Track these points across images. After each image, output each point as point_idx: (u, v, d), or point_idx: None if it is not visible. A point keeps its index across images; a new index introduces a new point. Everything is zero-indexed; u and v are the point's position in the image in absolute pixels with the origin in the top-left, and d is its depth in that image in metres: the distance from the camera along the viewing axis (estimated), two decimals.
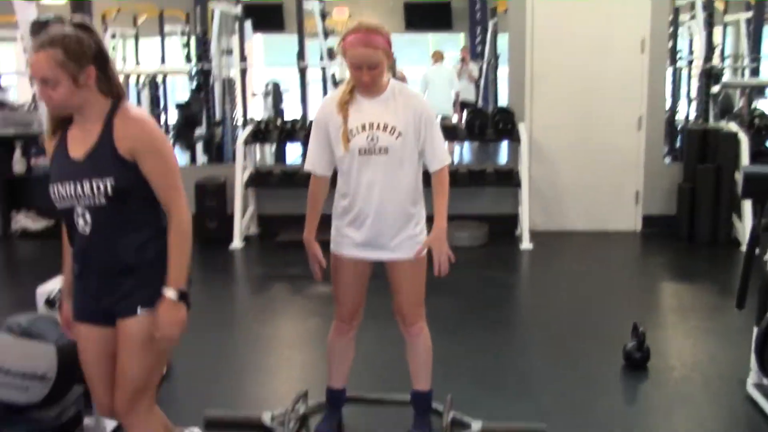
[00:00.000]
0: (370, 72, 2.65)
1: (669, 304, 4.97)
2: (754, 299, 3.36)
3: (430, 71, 9.53)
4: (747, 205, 5.94)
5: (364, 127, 2.72)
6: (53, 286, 2.97)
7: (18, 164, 6.82)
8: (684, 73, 9.20)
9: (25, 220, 6.82)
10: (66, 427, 2.72)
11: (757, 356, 3.30)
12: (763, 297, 3.35)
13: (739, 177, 3.49)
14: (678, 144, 8.00)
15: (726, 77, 8.77)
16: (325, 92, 10.16)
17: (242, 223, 6.46)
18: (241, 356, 3.98)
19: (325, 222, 2.88)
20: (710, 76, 7.62)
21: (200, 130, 8.55)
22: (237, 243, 6.35)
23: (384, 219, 2.78)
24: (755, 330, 3.30)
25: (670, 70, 7.96)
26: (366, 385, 3.41)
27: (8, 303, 4.85)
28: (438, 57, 9.64)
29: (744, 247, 4.94)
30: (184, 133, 8.73)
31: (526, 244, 6.20)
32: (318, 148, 2.83)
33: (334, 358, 3.05)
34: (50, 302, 2.87)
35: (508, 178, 6.56)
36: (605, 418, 3.23)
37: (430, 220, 2.84)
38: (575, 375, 3.65)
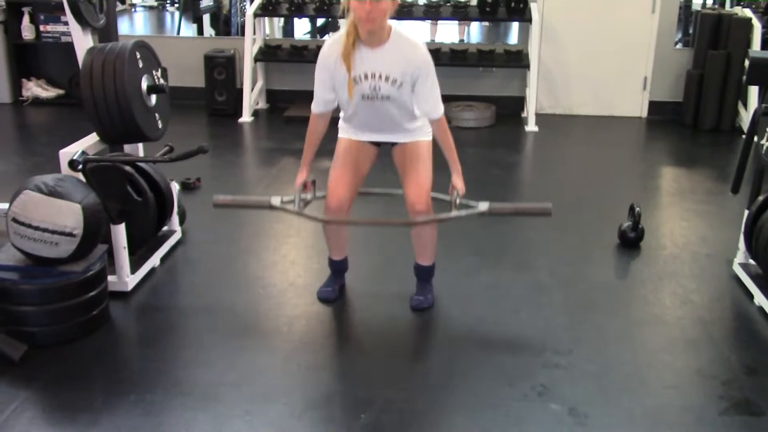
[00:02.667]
0: (372, 5, 2.63)
1: (667, 187, 5.10)
2: (749, 185, 3.48)
3: None
4: (753, 93, 5.96)
5: (366, 77, 2.81)
6: (75, 148, 3.08)
7: (27, 31, 6.76)
8: None
9: (36, 88, 6.86)
10: (91, 281, 2.90)
11: (745, 237, 3.46)
12: (756, 181, 3.47)
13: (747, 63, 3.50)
14: (692, 29, 7.89)
15: None
16: None
17: (251, 97, 6.50)
18: (250, 222, 4.14)
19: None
20: None
21: (207, 2, 8.40)
22: (246, 117, 6.42)
23: (385, 131, 2.99)
24: (746, 213, 3.44)
25: None
26: (367, 274, 3.59)
27: (26, 167, 5.00)
28: None
29: None
30: (190, 5, 8.58)
31: (531, 126, 6.27)
32: (322, 89, 2.90)
33: (329, 236, 3.19)
34: (73, 164, 2.99)
35: (518, 59, 6.54)
36: (596, 290, 3.42)
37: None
38: (571, 251, 3.82)
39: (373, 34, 2.74)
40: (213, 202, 3.12)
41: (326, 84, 2.88)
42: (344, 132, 3.07)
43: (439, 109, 2.90)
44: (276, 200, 3.03)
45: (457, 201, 2.97)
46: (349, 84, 2.82)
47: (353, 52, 2.78)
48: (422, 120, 2.98)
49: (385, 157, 3.12)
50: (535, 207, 3.14)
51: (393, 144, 3.04)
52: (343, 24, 2.80)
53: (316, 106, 2.95)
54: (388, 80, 2.81)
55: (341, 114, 3.04)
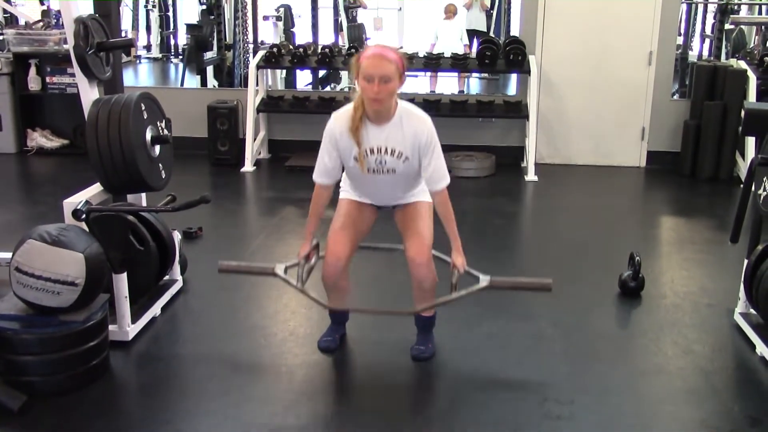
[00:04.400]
0: (381, 86, 2.72)
1: (666, 237, 5.12)
2: (748, 234, 3.50)
3: (442, 26, 9.45)
4: (750, 142, 6.03)
5: (372, 151, 2.88)
6: (78, 198, 3.11)
7: (33, 82, 6.88)
8: (700, 9, 9.11)
9: (40, 138, 6.94)
10: (92, 330, 2.90)
11: (745, 287, 3.46)
12: (755, 231, 3.49)
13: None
14: (688, 81, 8.01)
15: (742, 14, 8.70)
16: (336, 18, 10.14)
17: (253, 147, 6.57)
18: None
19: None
20: (725, 12, 7.58)
21: (211, 54, 8.56)
22: (248, 166, 6.48)
23: (386, 199, 3.09)
24: (746, 262, 3.45)
25: (684, 6, 7.90)
26: (372, 302, 3.59)
27: (30, 217, 5.03)
28: (451, 12, 9.53)
29: None
30: (194, 56, 8.73)
31: (531, 176, 6.32)
32: (328, 161, 2.95)
33: (329, 290, 3.17)
34: (76, 213, 3.01)
35: (517, 110, 6.63)
36: (598, 339, 3.41)
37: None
38: (572, 300, 3.82)
39: (380, 112, 2.81)
40: (218, 268, 3.18)
41: (332, 156, 2.94)
42: (346, 193, 3.13)
43: (443, 182, 2.93)
44: (280, 269, 3.09)
45: (457, 282, 2.99)
46: (361, 158, 2.88)
47: (360, 128, 2.85)
48: (423, 184, 3.02)
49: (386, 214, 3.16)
50: (535, 282, 3.16)
51: (394, 206, 3.11)
52: (350, 89, 2.87)
53: (321, 178, 3.00)
54: (394, 154, 2.87)
55: (343, 180, 3.11)
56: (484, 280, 3.03)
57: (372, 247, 3.39)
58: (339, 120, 2.90)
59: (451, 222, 2.99)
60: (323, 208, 3.06)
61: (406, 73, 2.84)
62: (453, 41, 9.25)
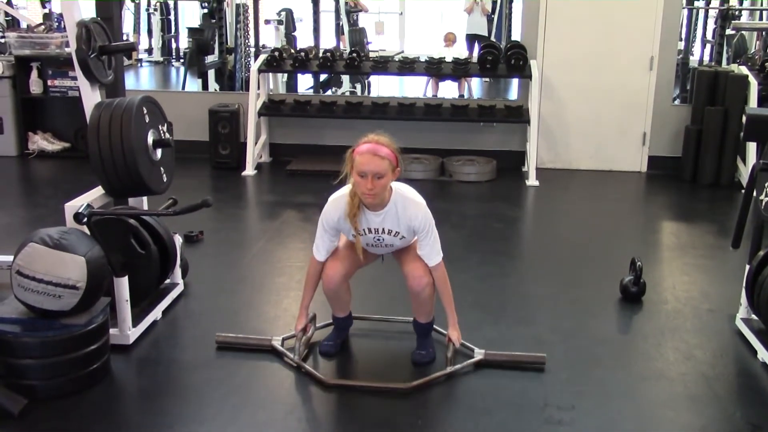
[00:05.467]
0: (374, 182, 2.80)
1: (667, 242, 5.12)
2: (750, 240, 3.50)
3: (442, 53, 9.44)
4: (751, 148, 6.03)
5: (370, 231, 3.01)
6: (80, 202, 3.11)
7: (35, 85, 6.89)
8: (701, 15, 9.12)
9: (42, 142, 6.95)
10: (93, 334, 2.89)
11: (747, 292, 3.46)
12: (756, 236, 3.48)
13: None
14: (689, 86, 8.01)
15: (743, 19, 8.71)
16: (337, 22, 10.14)
17: (254, 151, 6.57)
18: (252, 275, 4.15)
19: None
20: (726, 17, 7.58)
21: (212, 58, 8.56)
22: (249, 170, 6.48)
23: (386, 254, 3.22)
24: (747, 267, 3.45)
25: (685, 11, 7.90)
26: (372, 308, 3.59)
27: (31, 220, 5.03)
28: (450, 40, 9.54)
29: None
30: (196, 60, 8.74)
31: (532, 181, 6.32)
32: (325, 241, 3.05)
33: (331, 298, 3.21)
34: (78, 217, 3.01)
35: (518, 114, 6.63)
36: (598, 344, 3.40)
37: None
38: (573, 305, 3.82)
39: (374, 204, 2.90)
40: (215, 340, 3.26)
41: (330, 235, 3.04)
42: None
43: (438, 257, 3.02)
44: (277, 342, 3.22)
45: (452, 357, 3.08)
46: (357, 242, 2.99)
47: (358, 213, 2.93)
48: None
49: None
50: (530, 357, 3.19)
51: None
52: (347, 186, 2.96)
53: (319, 254, 3.09)
54: (391, 233, 2.99)
55: None
56: (479, 353, 3.15)
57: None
58: (336, 205, 2.99)
59: (448, 297, 3.10)
60: (317, 284, 3.15)
61: (400, 167, 2.91)
62: None
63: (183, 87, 9.49)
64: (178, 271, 3.80)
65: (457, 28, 9.91)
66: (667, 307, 3.83)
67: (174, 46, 12.51)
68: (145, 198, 3.71)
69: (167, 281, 3.74)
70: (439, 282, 3.06)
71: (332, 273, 3.07)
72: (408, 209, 2.95)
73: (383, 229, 2.98)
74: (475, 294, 3.89)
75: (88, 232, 3.02)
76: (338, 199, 2.99)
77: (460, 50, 9.73)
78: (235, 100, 6.89)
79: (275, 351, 3.19)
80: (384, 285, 3.87)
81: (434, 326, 3.23)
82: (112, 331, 3.12)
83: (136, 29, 12.34)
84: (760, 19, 9.16)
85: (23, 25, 7.29)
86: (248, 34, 8.66)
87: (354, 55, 6.73)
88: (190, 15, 11.95)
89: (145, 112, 3.34)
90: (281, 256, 4.55)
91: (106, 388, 2.93)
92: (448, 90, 9.77)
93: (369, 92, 8.94)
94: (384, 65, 6.77)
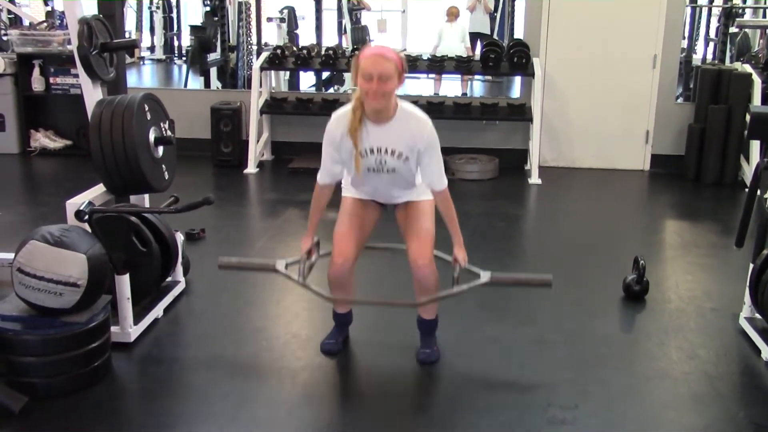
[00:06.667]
0: (380, 84, 2.71)
1: (671, 241, 5.10)
2: (753, 239, 3.48)
3: (444, 27, 9.44)
4: (755, 146, 6.00)
5: (372, 151, 2.88)
6: (81, 199, 3.11)
7: (36, 83, 6.88)
8: (704, 12, 9.09)
9: (44, 139, 6.94)
10: (94, 331, 2.89)
11: (751, 291, 3.44)
12: (760, 235, 3.47)
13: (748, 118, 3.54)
14: (692, 84, 7.99)
15: (747, 17, 8.67)
16: (339, 20, 10.13)
17: (256, 149, 6.56)
18: (254, 273, 4.13)
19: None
20: (730, 15, 7.55)
21: (214, 55, 8.55)
22: (251, 168, 6.47)
23: (388, 197, 3.08)
24: (751, 266, 3.43)
25: (689, 9, 7.88)
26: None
27: (32, 217, 5.02)
28: (453, 14, 9.52)
29: None
30: (198, 58, 8.73)
31: (535, 179, 6.30)
32: (330, 162, 2.96)
33: (334, 291, 3.15)
34: (79, 214, 3.01)
35: (520, 112, 6.61)
36: (601, 344, 3.39)
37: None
38: (576, 304, 3.81)
39: (379, 111, 2.80)
40: (218, 264, 3.16)
41: (333, 157, 2.94)
42: (347, 191, 3.12)
43: (443, 182, 2.94)
44: (281, 264, 3.09)
45: (459, 276, 3.00)
46: (357, 159, 2.88)
47: (360, 128, 2.83)
48: (417, 181, 3.02)
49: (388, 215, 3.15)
50: (535, 278, 3.17)
51: (396, 205, 3.10)
52: (350, 93, 2.86)
53: (323, 178, 3.00)
54: (394, 154, 2.87)
55: (344, 177, 3.09)
56: (485, 275, 3.06)
57: (375, 247, 3.38)
58: (338, 121, 2.89)
59: (453, 219, 2.99)
60: (324, 205, 3.05)
61: (407, 74, 2.83)
62: (455, 43, 9.24)
63: (185, 85, 9.48)
64: (179, 268, 3.79)
65: (457, 28, 9.83)
66: (670, 306, 3.82)
67: (176, 43, 12.51)
68: (146, 195, 3.70)
69: (169, 279, 3.73)
70: (443, 205, 2.97)
71: (341, 261, 2.97)
72: (413, 124, 2.85)
73: (386, 149, 2.85)
74: (478, 293, 3.85)
75: (89, 230, 3.01)
76: (340, 115, 2.89)
77: (463, 24, 9.70)
78: (237, 97, 6.88)
79: (278, 273, 3.09)
80: (385, 283, 3.86)
81: (440, 253, 3.12)
82: (113, 328, 3.11)
83: (139, 27, 12.34)
84: (764, 16, 9.12)
85: (26, 22, 7.28)
86: (250, 31, 8.65)
87: (356, 52, 6.70)
88: (192, 13, 11.95)
89: (146, 109, 3.33)
90: (283, 254, 4.51)
91: (107, 387, 2.92)
92: (451, 88, 9.75)
93: None
94: None
